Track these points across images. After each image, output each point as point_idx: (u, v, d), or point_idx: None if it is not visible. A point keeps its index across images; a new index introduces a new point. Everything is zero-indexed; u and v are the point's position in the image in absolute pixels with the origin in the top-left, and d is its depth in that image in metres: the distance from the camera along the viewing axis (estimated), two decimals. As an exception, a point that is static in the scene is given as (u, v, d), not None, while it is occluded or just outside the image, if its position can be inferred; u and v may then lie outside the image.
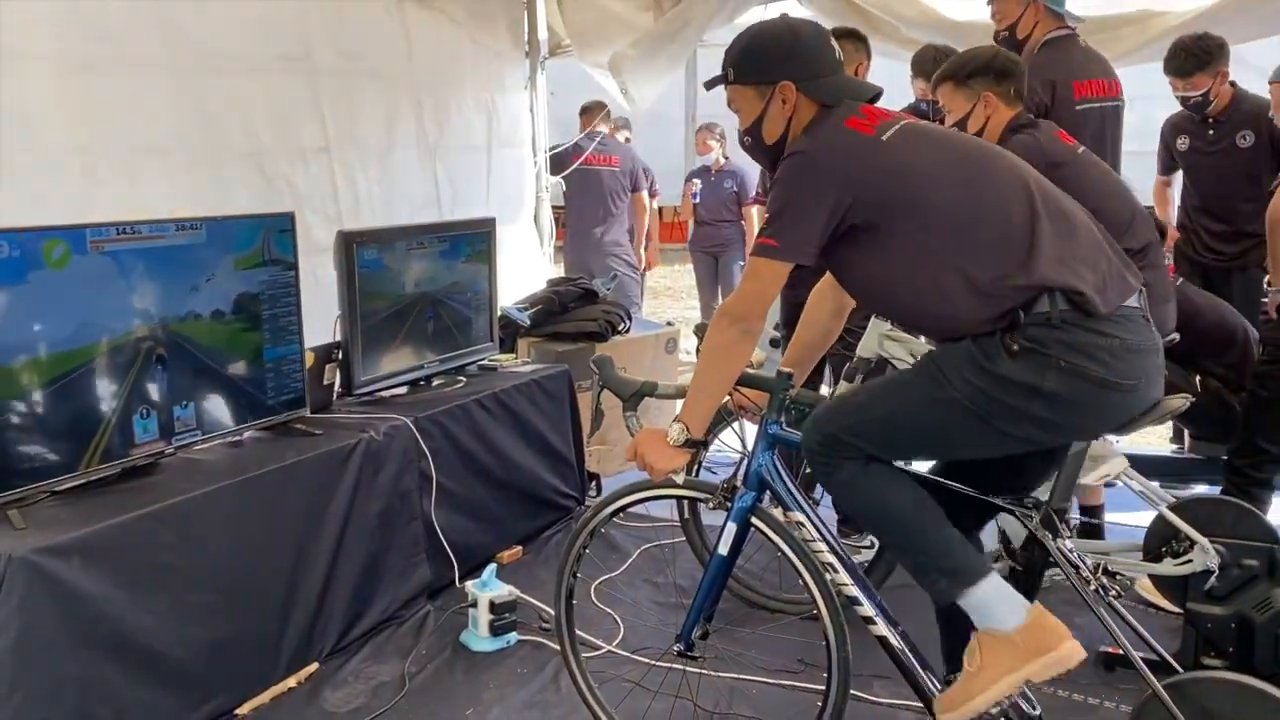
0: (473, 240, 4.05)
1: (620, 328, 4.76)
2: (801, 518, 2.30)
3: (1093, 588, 2.13)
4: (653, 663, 3.08)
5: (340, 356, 3.52)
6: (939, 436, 2.08)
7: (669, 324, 5.40)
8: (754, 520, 2.36)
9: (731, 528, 2.36)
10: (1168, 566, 2.92)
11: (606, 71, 5.75)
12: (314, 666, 3.07)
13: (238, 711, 2.84)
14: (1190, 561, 2.89)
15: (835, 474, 2.13)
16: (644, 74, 5.70)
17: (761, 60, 2.20)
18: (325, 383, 3.49)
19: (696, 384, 2.21)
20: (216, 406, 3.02)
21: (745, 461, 2.39)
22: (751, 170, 7.29)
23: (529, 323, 4.61)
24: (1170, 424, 4.83)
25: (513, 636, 3.28)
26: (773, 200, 2.09)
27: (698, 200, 7.37)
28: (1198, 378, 3.60)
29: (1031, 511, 2.14)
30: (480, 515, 3.78)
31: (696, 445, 2.24)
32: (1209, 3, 4.65)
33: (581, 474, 4.40)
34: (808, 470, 2.66)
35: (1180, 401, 2.15)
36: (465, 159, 5.44)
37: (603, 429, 4.62)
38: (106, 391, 2.71)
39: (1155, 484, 3.20)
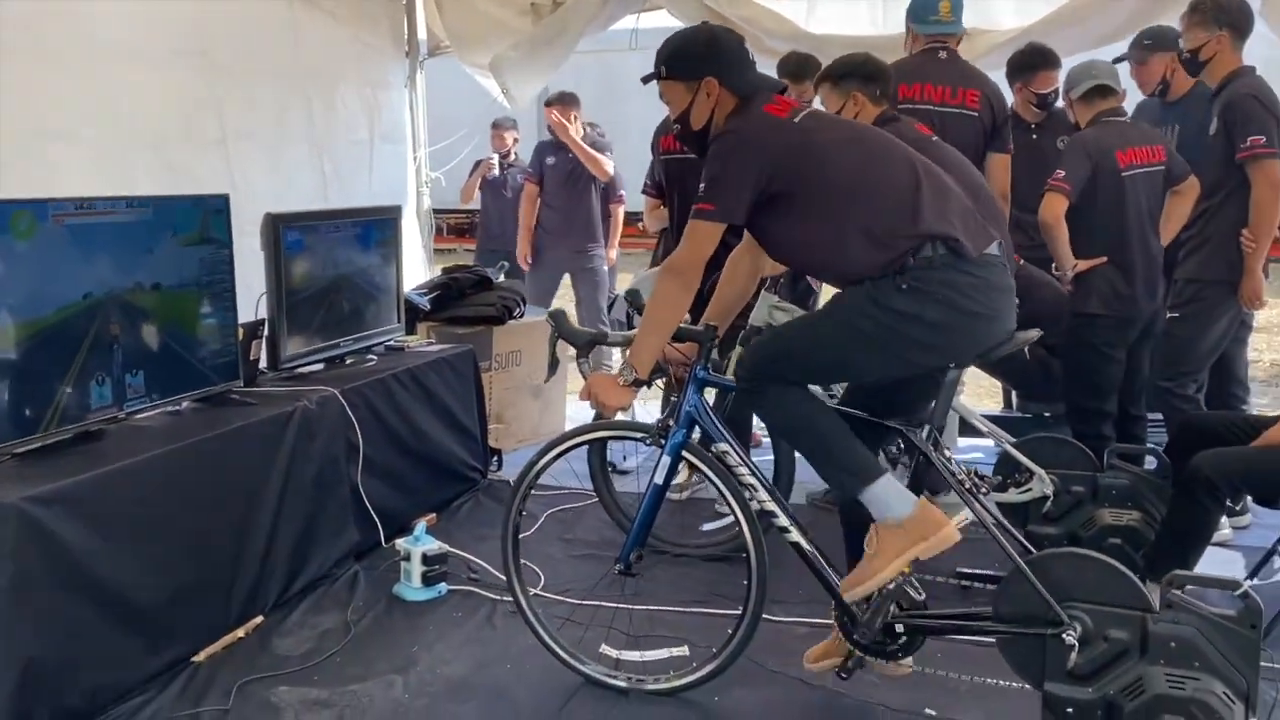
0: (382, 227, 4.29)
1: (516, 312, 5.06)
2: (726, 447, 2.69)
3: (968, 486, 2.58)
4: (582, 602, 3.41)
5: (266, 333, 3.71)
6: (844, 361, 2.53)
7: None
8: (685, 453, 2.74)
9: (666, 460, 2.73)
10: (1012, 495, 3.45)
11: (487, 72, 6.04)
12: (259, 619, 3.27)
13: (194, 659, 3.02)
14: (1030, 490, 3.43)
15: (762, 396, 2.55)
16: (524, 75, 6.01)
17: (688, 60, 2.61)
18: (251, 358, 3.67)
19: (643, 330, 2.58)
20: (161, 374, 3.18)
21: (677, 403, 2.76)
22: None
23: (429, 306, 4.86)
24: (1001, 389, 5.49)
25: (443, 587, 3.55)
26: (707, 173, 2.48)
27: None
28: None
29: (917, 430, 2.59)
30: (399, 483, 4.02)
31: (641, 384, 2.60)
32: (1029, 22, 5.32)
33: (484, 448, 4.68)
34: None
35: (1034, 334, 2.65)
36: (350, 153, 5.64)
37: (499, 409, 4.98)
38: (65, 358, 2.85)
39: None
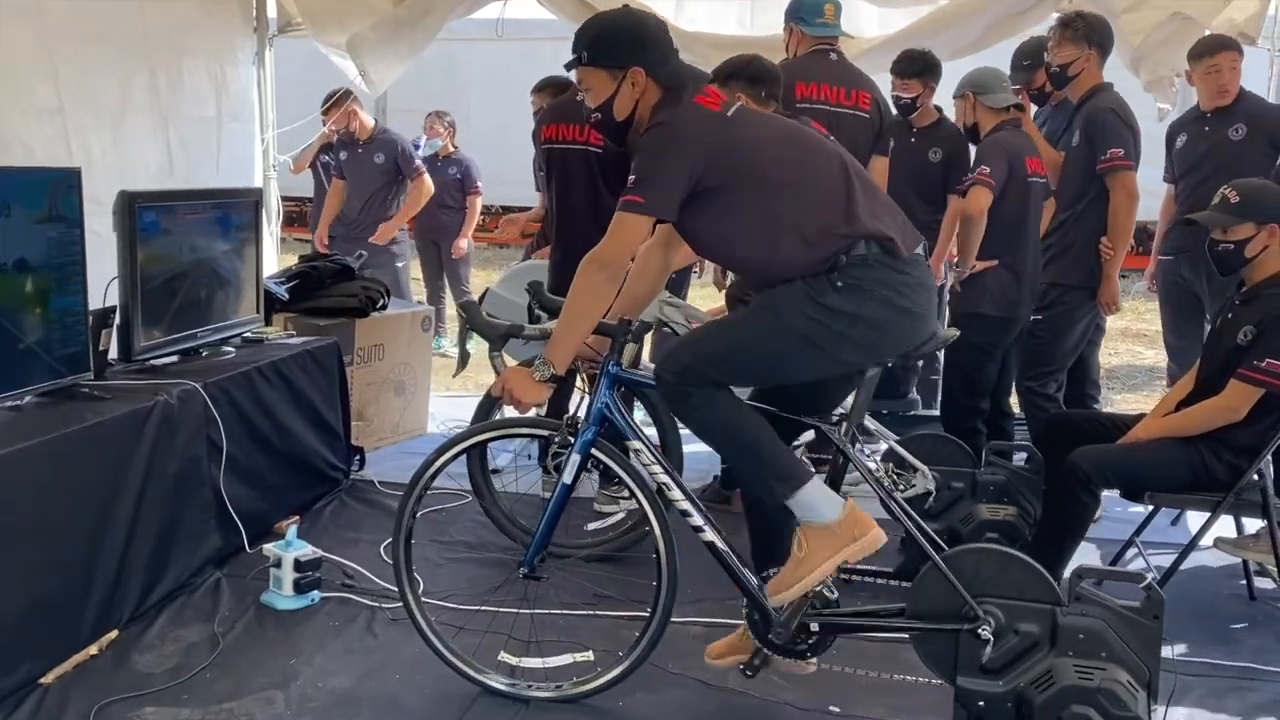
0: (242, 210, 4.01)
1: (379, 304, 4.84)
2: (639, 445, 2.61)
3: (886, 483, 2.60)
4: (476, 607, 3.26)
5: (117, 321, 3.40)
6: (778, 362, 2.46)
7: (420, 303, 5.52)
8: (595, 451, 2.65)
9: (576, 459, 2.62)
10: (896, 491, 3.50)
11: (344, 53, 5.76)
12: (114, 633, 3.00)
13: (42, 680, 2.73)
14: (915, 486, 3.49)
15: (688, 400, 2.45)
16: (383, 58, 5.75)
17: (613, 47, 2.50)
18: (101, 348, 3.36)
19: (564, 324, 2.47)
20: (2, 365, 2.86)
21: (588, 400, 2.66)
22: (476, 160, 7.53)
23: (287, 296, 4.59)
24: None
25: (316, 594, 3.34)
26: (638, 164, 2.38)
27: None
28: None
29: (835, 427, 2.58)
30: (262, 484, 3.77)
31: (559, 381, 2.49)
32: (890, 32, 5.47)
33: (348, 447, 4.45)
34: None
35: (953, 333, 2.69)
36: (197, 130, 5.27)
37: (360, 405, 4.75)
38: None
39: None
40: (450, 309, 7.66)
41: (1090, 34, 4.06)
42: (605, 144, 4.06)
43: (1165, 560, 3.48)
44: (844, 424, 2.56)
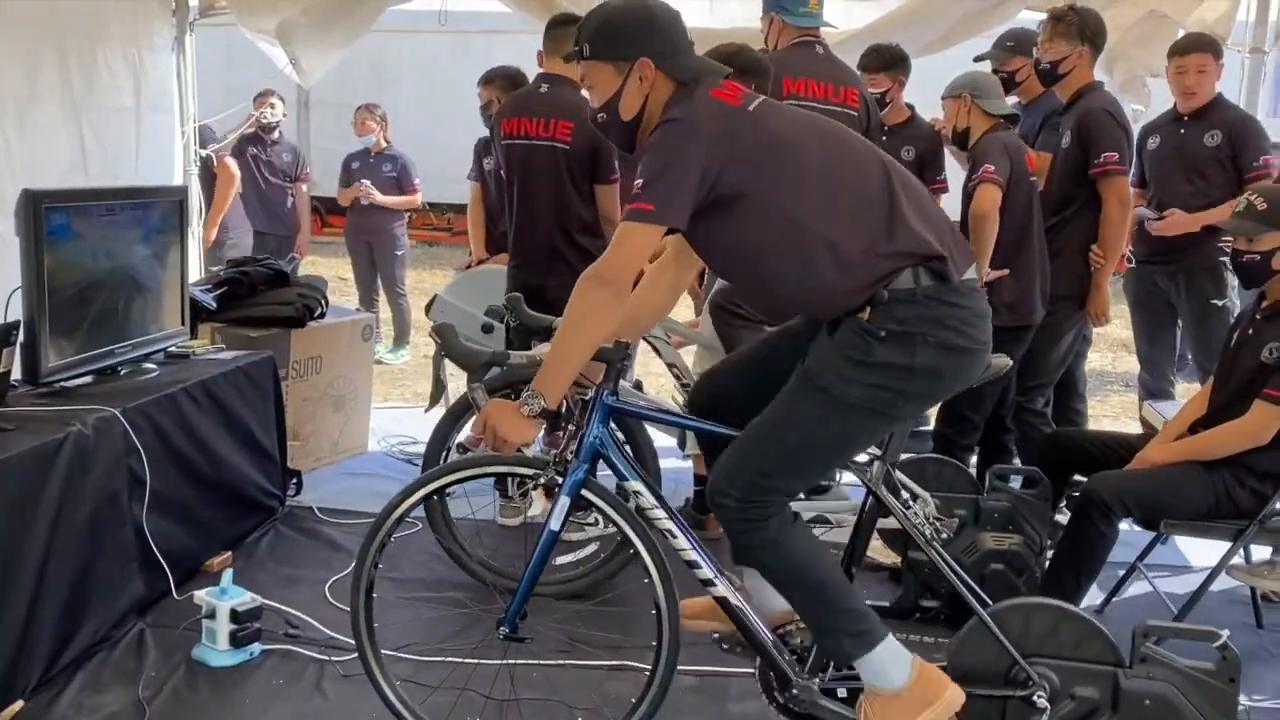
0: (166, 211, 3.59)
1: (317, 312, 4.43)
2: (639, 486, 2.29)
3: (929, 532, 2.31)
4: (449, 659, 2.91)
5: (20, 339, 2.98)
6: (845, 442, 2.15)
7: (358, 309, 5.13)
8: (585, 492, 2.32)
9: (564, 501, 2.29)
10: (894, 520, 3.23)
11: (273, 40, 5.34)
12: (18, 705, 2.59)
13: (-67, 770, 2.32)
14: (915, 514, 3.22)
15: (760, 532, 2.12)
16: (316, 47, 5.35)
17: (619, 37, 2.17)
18: (1, 371, 2.94)
19: (559, 350, 2.12)
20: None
21: (578, 434, 2.32)
22: (412, 155, 7.13)
23: (215, 305, 4.17)
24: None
25: (256, 647, 2.96)
26: (646, 166, 2.05)
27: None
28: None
29: (866, 468, 2.29)
30: (189, 518, 3.36)
31: (551, 416, 2.15)
32: (859, 25, 5.24)
33: (284, 470, 4.05)
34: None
35: (1005, 362, 2.41)
36: (114, 122, 4.80)
37: (296, 424, 4.34)
38: None
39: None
40: (385, 312, 7.25)
41: (1083, 29, 3.84)
42: (573, 140, 3.73)
43: (1165, 586, 3.27)
44: (876, 464, 2.27)
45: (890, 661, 2.14)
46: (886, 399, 2.08)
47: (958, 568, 2.29)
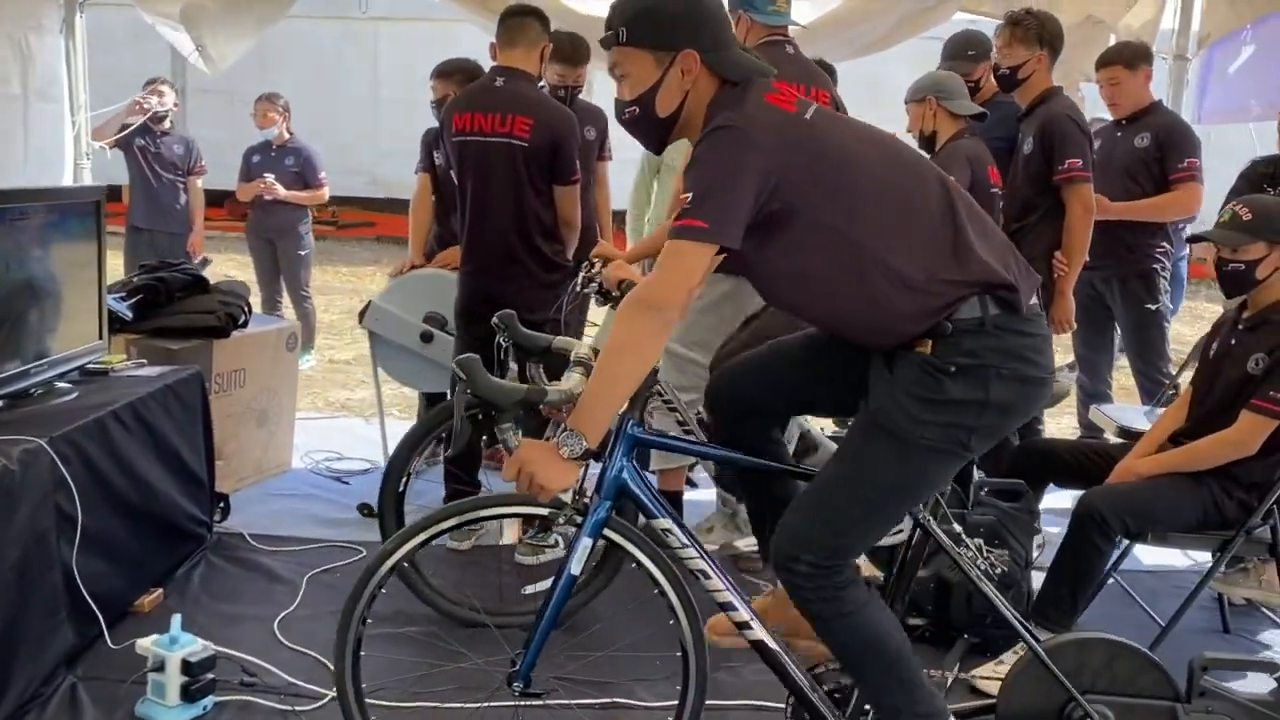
0: (81, 214, 3.23)
1: (241, 321, 4.10)
2: (669, 524, 2.11)
3: (983, 565, 2.20)
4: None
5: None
6: (920, 487, 2.02)
7: (281, 317, 4.78)
8: (609, 532, 2.12)
9: (586, 544, 2.08)
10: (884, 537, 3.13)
11: (177, 25, 4.95)
12: (-58, 784, 2.26)
13: None
14: (901, 530, 3.13)
15: (836, 603, 1.96)
16: (225, 32, 4.99)
17: (663, 24, 1.97)
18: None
19: (600, 384, 1.91)
20: None
21: (600, 468, 2.12)
22: (316, 148, 6.75)
23: (131, 315, 3.80)
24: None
25: (210, 701, 2.66)
26: (698, 178, 1.86)
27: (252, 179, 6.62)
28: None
29: None
30: (119, 556, 3.04)
31: (591, 457, 1.94)
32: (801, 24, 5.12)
33: (212, 494, 3.72)
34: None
35: (1068, 386, 2.31)
36: (1, 111, 4.37)
37: (219, 442, 4.00)
38: None
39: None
40: (288, 311, 6.84)
41: (1042, 33, 3.82)
42: (532, 137, 3.51)
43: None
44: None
45: None
46: (960, 437, 1.95)
47: (1011, 607, 2.17)
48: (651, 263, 3.04)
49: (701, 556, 2.11)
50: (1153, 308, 4.26)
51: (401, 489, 3.23)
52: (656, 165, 4.82)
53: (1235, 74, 5.19)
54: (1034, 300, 2.02)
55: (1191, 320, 9.26)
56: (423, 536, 2.18)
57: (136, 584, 3.16)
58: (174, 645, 2.62)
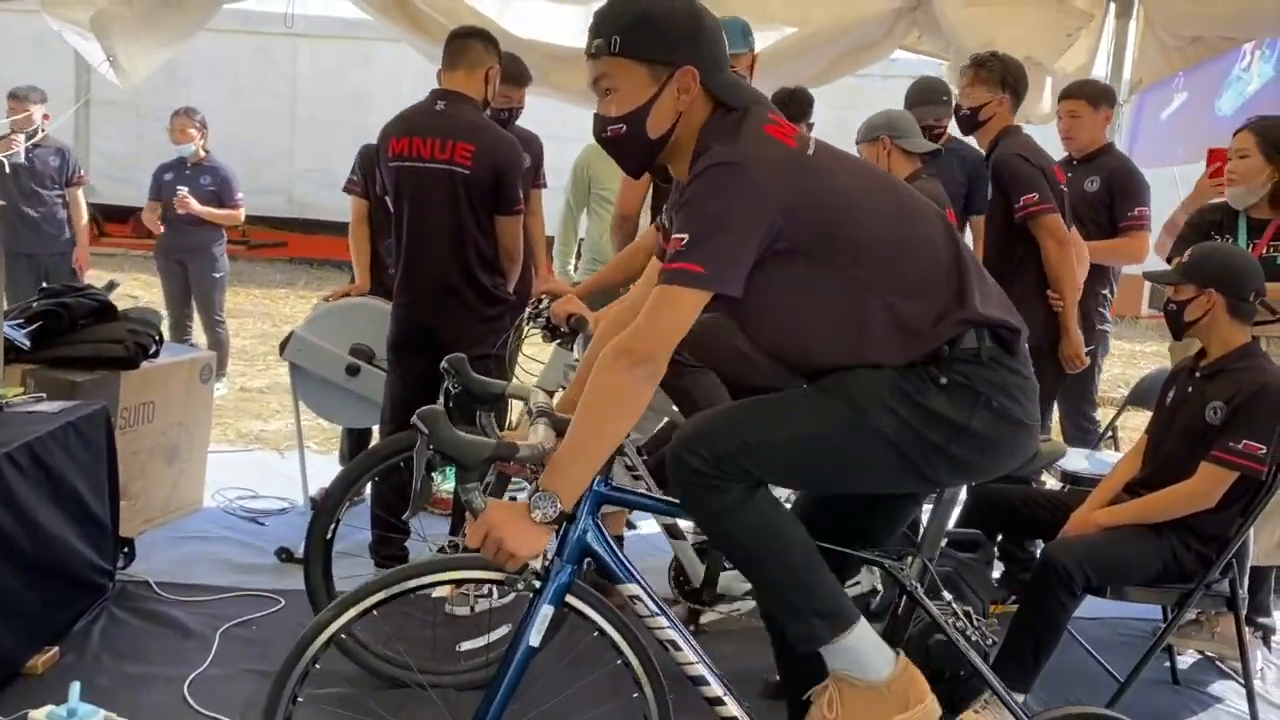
0: (-24, 233, 2.96)
1: (151, 350, 3.82)
2: (637, 590, 1.94)
3: (974, 636, 2.07)
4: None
5: None
6: (847, 465, 1.86)
7: (192, 345, 4.50)
8: (572, 599, 1.94)
9: (547, 612, 1.90)
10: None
11: (86, 33, 4.65)
12: None
13: None
14: (859, 584, 3.02)
15: (717, 495, 1.81)
16: (140, 42, 4.72)
17: (663, 35, 1.81)
18: None
19: (579, 440, 1.74)
20: None
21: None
22: (233, 166, 6.45)
23: (29, 343, 3.50)
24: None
25: (112, 778, 2.41)
26: (693, 217, 1.70)
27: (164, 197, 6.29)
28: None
29: (899, 563, 2.03)
30: (9, 611, 2.76)
31: (565, 520, 1.76)
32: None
33: (115, 539, 3.43)
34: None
35: (1059, 451, 2.20)
36: (-113, 120, 4.03)
37: (125, 480, 3.71)
38: None
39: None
40: (199, 336, 6.50)
41: (1005, 76, 3.77)
42: (474, 165, 3.33)
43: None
44: (912, 560, 2.02)
45: (871, 651, 1.90)
46: (919, 449, 1.82)
47: (999, 681, 2.05)
48: (607, 298, 2.87)
49: (671, 625, 1.95)
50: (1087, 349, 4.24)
51: (330, 535, 3.00)
52: (583, 198, 4.66)
53: (1167, 120, 5.27)
54: (1024, 344, 1.92)
55: (1126, 361, 9.39)
56: (363, 605, 1.96)
57: (29, 642, 2.87)
58: (72, 718, 2.36)
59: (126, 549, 3.58)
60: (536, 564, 1.86)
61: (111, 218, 12.69)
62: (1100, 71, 5.34)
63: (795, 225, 1.75)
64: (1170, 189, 5.16)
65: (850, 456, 1.85)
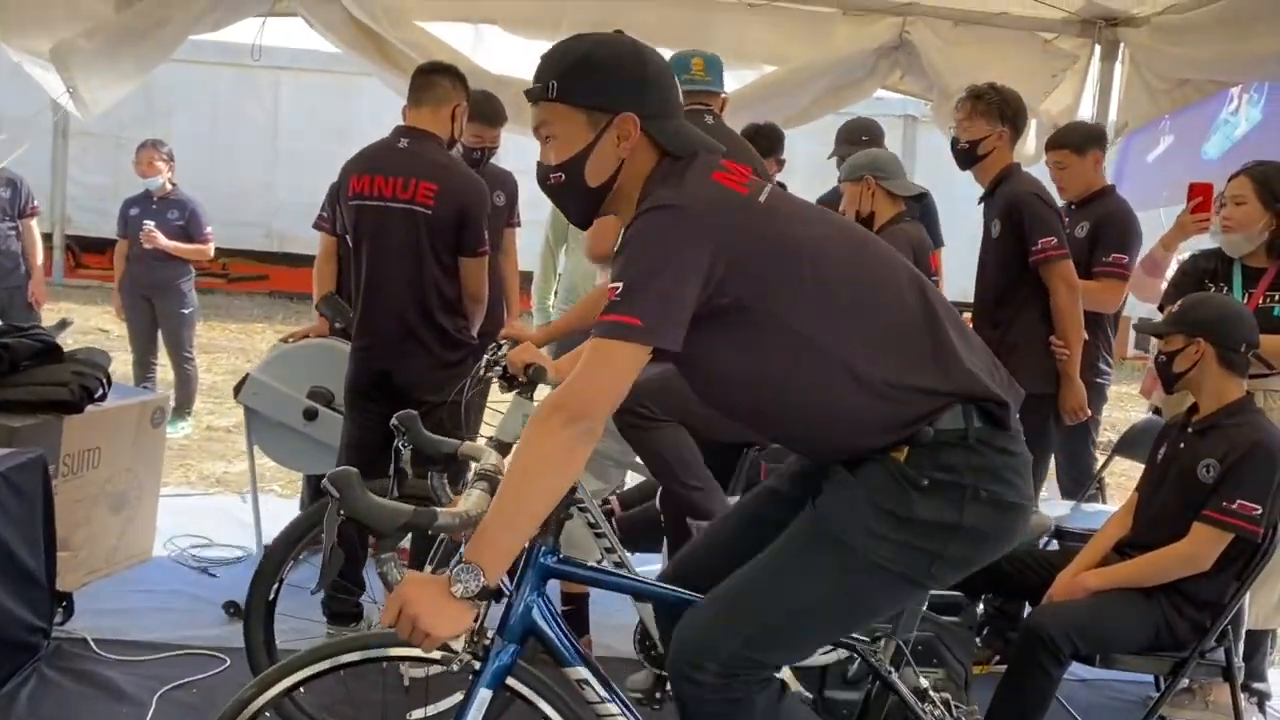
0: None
1: (98, 394, 3.65)
2: (586, 673, 1.78)
3: None
4: None
5: None
6: (860, 611, 1.75)
7: (147, 388, 4.33)
8: (513, 682, 1.78)
9: (485, 696, 1.73)
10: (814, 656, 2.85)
11: (46, 64, 4.52)
12: None
13: None
14: (831, 649, 2.85)
15: (745, 713, 1.67)
16: (101, 75, 4.58)
17: (601, 81, 1.70)
18: None
19: (507, 506, 1.57)
20: None
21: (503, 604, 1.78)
22: (213, 199, 6.31)
23: (-35, 387, 3.33)
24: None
25: None
26: (630, 266, 1.57)
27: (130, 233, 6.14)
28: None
29: (876, 646, 1.88)
30: (-75, 678, 2.57)
31: (491, 597, 1.60)
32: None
33: (51, 595, 3.25)
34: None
35: (1047, 523, 2.06)
36: None
37: (66, 531, 3.55)
38: None
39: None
40: (167, 373, 6.32)
41: (1004, 109, 3.62)
42: (436, 204, 3.20)
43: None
44: (887, 643, 1.86)
45: None
46: (920, 565, 1.69)
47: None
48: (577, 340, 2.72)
49: (624, 712, 1.79)
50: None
51: (272, 596, 2.82)
52: (563, 234, 4.58)
53: (1153, 162, 5.18)
54: (1016, 416, 1.77)
55: (1112, 403, 9.24)
56: (286, 683, 1.79)
57: (-53, 710, 2.68)
58: (-22, 800, 2.17)
59: (64, 604, 3.40)
60: (458, 644, 1.69)
61: (89, 249, 12.53)
62: (1086, 113, 5.25)
63: (740, 277, 1.62)
64: (1157, 232, 5.05)
65: (856, 602, 1.74)
